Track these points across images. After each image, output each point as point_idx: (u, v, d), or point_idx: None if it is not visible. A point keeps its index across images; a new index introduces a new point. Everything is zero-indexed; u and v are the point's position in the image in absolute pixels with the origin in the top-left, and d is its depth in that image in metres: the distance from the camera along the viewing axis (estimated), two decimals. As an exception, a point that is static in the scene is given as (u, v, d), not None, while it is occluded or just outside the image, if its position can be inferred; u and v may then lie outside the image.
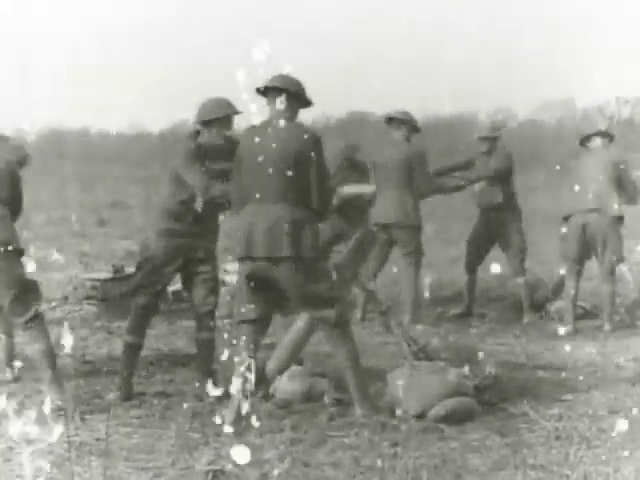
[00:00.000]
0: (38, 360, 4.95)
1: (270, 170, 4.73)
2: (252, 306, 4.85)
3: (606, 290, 7.47)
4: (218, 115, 5.24)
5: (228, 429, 4.69)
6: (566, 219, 7.47)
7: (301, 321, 5.41)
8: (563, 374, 5.85)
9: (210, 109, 5.25)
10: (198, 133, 5.30)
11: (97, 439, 4.46)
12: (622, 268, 7.87)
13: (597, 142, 7.66)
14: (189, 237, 5.30)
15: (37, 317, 4.95)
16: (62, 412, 4.80)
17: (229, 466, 4.00)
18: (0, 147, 5.32)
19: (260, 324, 4.90)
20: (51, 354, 4.95)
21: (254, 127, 4.93)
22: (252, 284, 4.82)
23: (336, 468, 4.04)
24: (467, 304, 8.19)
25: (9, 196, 5.17)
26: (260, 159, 4.75)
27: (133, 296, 5.40)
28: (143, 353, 5.54)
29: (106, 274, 8.09)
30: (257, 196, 4.77)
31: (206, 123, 5.26)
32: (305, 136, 4.79)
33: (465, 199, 8.65)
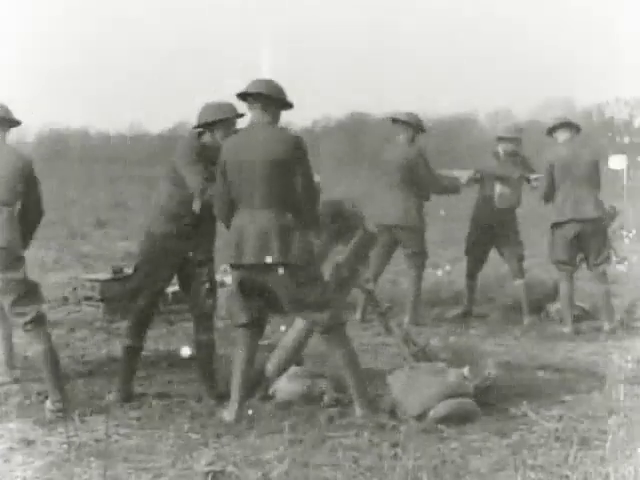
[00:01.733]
0: (40, 361, 4.94)
1: (255, 176, 4.72)
2: (245, 311, 4.91)
3: (600, 290, 7.40)
4: (222, 117, 5.16)
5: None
6: (554, 227, 7.40)
7: (301, 321, 5.40)
8: (563, 375, 5.86)
9: (214, 111, 5.18)
10: (200, 135, 5.26)
11: (97, 440, 4.45)
12: (622, 268, 7.85)
13: (565, 134, 7.43)
14: (187, 239, 5.27)
15: (38, 319, 4.94)
16: (62, 413, 4.81)
17: (229, 467, 4.01)
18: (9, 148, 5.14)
19: (254, 328, 4.94)
20: (52, 355, 4.95)
21: (236, 133, 4.97)
22: (244, 290, 4.88)
23: (335, 469, 4.04)
24: (467, 305, 8.17)
25: (16, 198, 4.99)
26: (244, 166, 4.74)
27: (132, 298, 5.38)
28: (143, 354, 5.53)
29: (106, 275, 8.08)
30: (244, 203, 4.77)
31: (209, 126, 5.20)
32: (288, 141, 4.78)
33: (466, 199, 8.61)
